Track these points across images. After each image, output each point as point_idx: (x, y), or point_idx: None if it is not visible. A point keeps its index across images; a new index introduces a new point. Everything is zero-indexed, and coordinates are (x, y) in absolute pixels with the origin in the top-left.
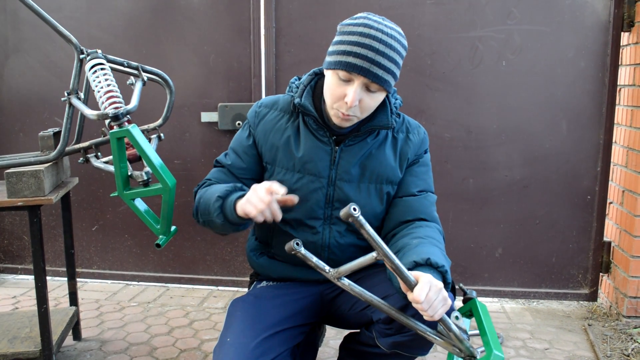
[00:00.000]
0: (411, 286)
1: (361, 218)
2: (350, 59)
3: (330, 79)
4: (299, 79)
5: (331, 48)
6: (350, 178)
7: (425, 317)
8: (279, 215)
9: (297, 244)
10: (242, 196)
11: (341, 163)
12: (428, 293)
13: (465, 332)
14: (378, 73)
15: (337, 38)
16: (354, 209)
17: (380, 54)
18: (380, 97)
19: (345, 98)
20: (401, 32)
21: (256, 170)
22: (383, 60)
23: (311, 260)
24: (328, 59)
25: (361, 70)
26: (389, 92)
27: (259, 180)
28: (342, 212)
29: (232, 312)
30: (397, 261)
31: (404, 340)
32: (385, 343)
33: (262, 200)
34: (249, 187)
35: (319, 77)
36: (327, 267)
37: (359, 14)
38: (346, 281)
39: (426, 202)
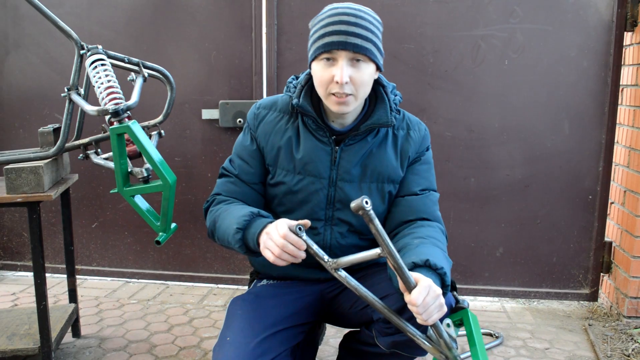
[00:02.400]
0: (410, 288)
1: (371, 212)
2: (326, 39)
3: (316, 68)
4: (297, 78)
5: (308, 44)
6: (351, 178)
7: (419, 321)
8: (299, 257)
9: (300, 228)
10: (265, 226)
11: (341, 163)
12: (425, 297)
13: (454, 340)
14: (357, 42)
15: (310, 33)
16: (366, 202)
17: (353, 25)
18: (369, 69)
19: (335, 77)
20: (370, 9)
21: (264, 173)
22: (358, 30)
23: (312, 248)
24: (309, 54)
25: (339, 44)
26: (376, 63)
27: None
28: (354, 204)
29: (232, 310)
30: (400, 261)
31: (403, 339)
32: (384, 342)
33: (276, 243)
34: (260, 192)
35: None
36: (326, 257)
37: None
38: (343, 273)
39: (428, 202)
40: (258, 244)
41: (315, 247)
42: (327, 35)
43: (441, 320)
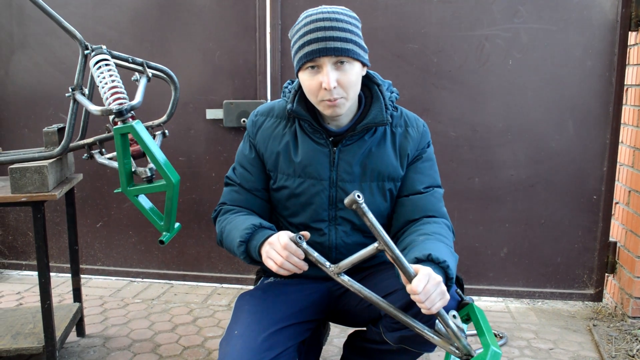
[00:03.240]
0: (410, 278)
1: (364, 206)
2: (307, 49)
3: (303, 78)
4: (292, 82)
5: (292, 55)
6: (351, 178)
7: (423, 310)
8: (302, 268)
9: (300, 237)
10: (266, 238)
11: (340, 164)
12: (426, 285)
13: (462, 330)
14: (337, 46)
15: (291, 44)
16: (358, 196)
17: (330, 29)
18: (354, 69)
19: (323, 84)
20: (345, 8)
21: (265, 179)
22: (335, 33)
23: (312, 255)
24: (294, 65)
25: (320, 51)
26: (360, 61)
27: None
28: (347, 200)
29: (240, 305)
30: (397, 251)
31: (411, 334)
32: (392, 337)
33: (279, 253)
34: (263, 198)
35: None
36: (327, 263)
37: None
38: (346, 277)
39: (433, 199)
40: (260, 255)
41: (315, 254)
42: (307, 44)
43: (447, 311)
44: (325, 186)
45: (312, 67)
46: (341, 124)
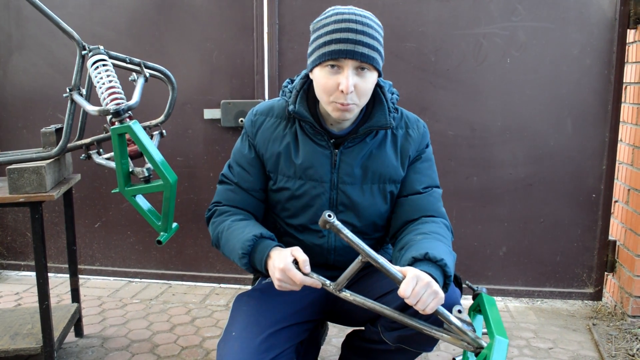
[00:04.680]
0: (399, 282)
1: (337, 223)
2: (333, 47)
3: (320, 74)
4: (292, 81)
5: (310, 48)
6: (352, 180)
7: (419, 311)
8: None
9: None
10: (270, 250)
11: (342, 166)
12: (414, 288)
13: (469, 324)
14: (364, 52)
15: (313, 36)
16: (329, 215)
17: (361, 33)
18: (373, 77)
19: (340, 86)
20: (372, 15)
21: (264, 180)
22: (365, 39)
23: (312, 277)
24: (311, 58)
25: (347, 53)
26: (379, 71)
27: (267, 190)
28: (320, 221)
29: (238, 306)
30: (380, 260)
31: (409, 334)
32: (390, 337)
33: (295, 285)
34: (260, 198)
35: (311, 80)
36: (327, 281)
37: (327, 9)
38: (348, 292)
39: (432, 199)
40: (266, 267)
41: (314, 275)
42: (334, 42)
43: (450, 308)
44: (326, 188)
45: (333, 66)
46: (343, 127)
